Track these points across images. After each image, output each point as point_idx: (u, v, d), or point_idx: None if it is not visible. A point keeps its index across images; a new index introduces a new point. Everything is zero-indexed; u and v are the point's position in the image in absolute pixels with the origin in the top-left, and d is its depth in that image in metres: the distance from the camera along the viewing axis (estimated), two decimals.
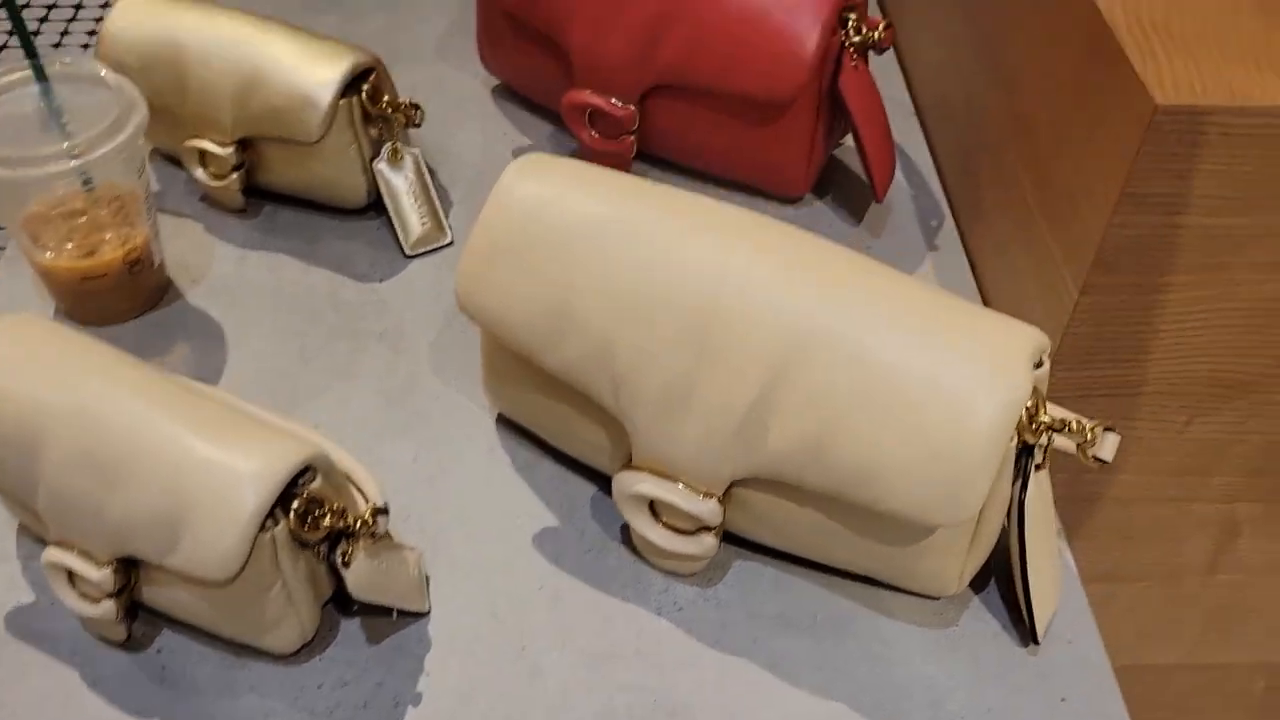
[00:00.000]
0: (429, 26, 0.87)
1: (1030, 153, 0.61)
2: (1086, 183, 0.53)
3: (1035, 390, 0.46)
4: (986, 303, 0.67)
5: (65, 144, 0.57)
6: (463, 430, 0.60)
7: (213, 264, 0.68)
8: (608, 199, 0.50)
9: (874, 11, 0.90)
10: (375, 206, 0.70)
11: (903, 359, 0.45)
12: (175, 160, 0.73)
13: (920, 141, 0.79)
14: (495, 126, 0.78)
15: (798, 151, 0.69)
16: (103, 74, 0.60)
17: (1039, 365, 0.46)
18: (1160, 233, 0.51)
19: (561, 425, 0.55)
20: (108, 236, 0.61)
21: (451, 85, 0.82)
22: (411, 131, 0.76)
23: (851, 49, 0.66)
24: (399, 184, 0.69)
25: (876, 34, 0.66)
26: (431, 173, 0.74)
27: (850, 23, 0.65)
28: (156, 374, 0.49)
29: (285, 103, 0.65)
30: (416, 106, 0.69)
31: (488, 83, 0.82)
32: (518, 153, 0.76)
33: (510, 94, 0.81)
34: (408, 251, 0.69)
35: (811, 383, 0.46)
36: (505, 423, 0.60)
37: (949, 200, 0.74)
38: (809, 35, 0.64)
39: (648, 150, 0.74)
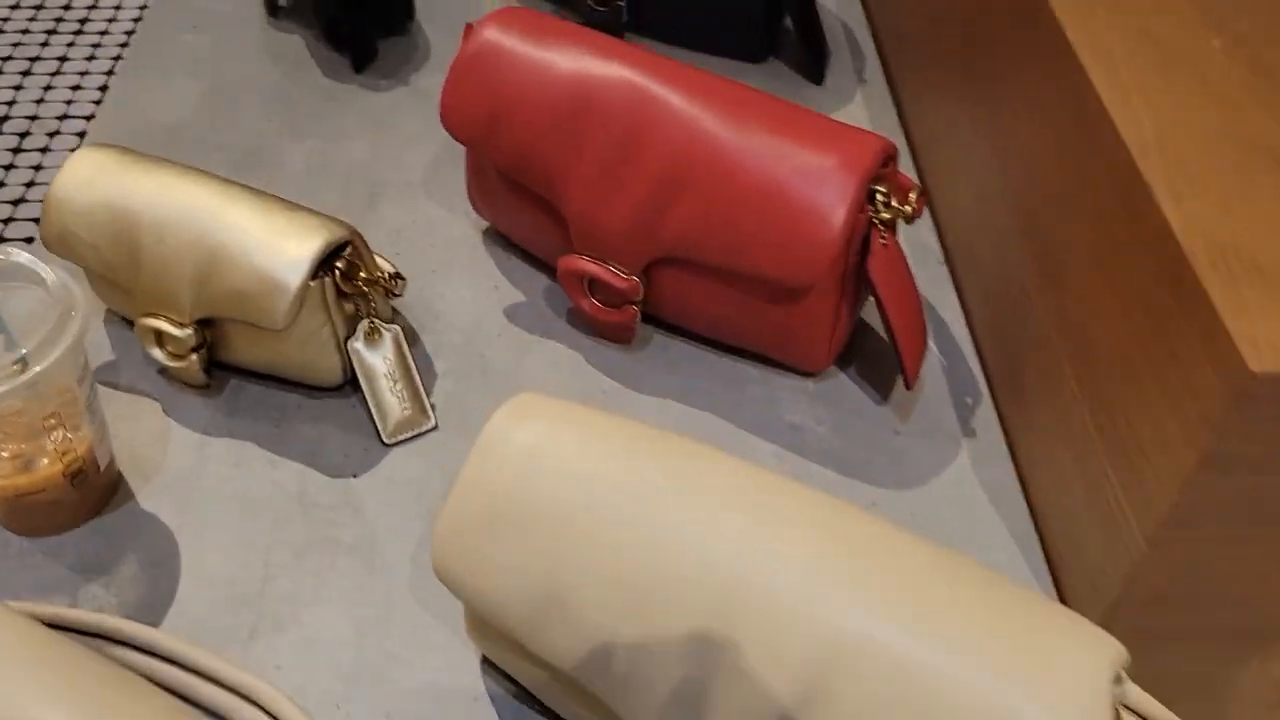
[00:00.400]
0: (417, 152, 0.80)
1: (1084, 367, 0.54)
2: (1157, 429, 0.46)
3: (1116, 714, 0.39)
4: (1032, 511, 0.60)
5: (16, 356, 0.50)
6: (444, 673, 0.53)
7: (169, 454, 0.61)
8: (610, 459, 0.43)
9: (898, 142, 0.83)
10: (352, 380, 0.64)
11: (957, 681, 0.38)
12: (133, 323, 0.66)
13: (951, 296, 0.72)
14: (486, 279, 0.72)
15: (819, 330, 0.62)
16: (43, 274, 0.53)
17: (1117, 681, 0.39)
18: (1247, 492, 0.45)
19: (553, 694, 0.48)
20: (46, 444, 0.54)
21: (439, 226, 0.75)
22: None
23: (880, 226, 0.59)
24: (376, 365, 0.62)
25: (908, 207, 0.59)
26: (414, 338, 0.68)
27: (879, 197, 0.59)
28: (74, 653, 0.42)
29: (249, 286, 0.58)
30: (398, 277, 0.62)
31: (478, 224, 0.75)
32: (509, 313, 0.69)
33: (503, 237, 0.74)
34: (386, 440, 0.62)
35: (848, 705, 0.39)
36: (492, 664, 0.53)
37: (985, 371, 0.67)
38: (833, 215, 0.57)
39: (655, 315, 0.67)
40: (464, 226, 0.75)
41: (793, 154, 0.58)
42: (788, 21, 0.89)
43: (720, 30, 0.87)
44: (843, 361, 0.67)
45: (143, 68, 0.87)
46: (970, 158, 0.71)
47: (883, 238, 0.59)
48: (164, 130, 0.81)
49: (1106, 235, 0.52)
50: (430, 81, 0.86)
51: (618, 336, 0.67)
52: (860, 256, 0.60)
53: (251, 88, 0.85)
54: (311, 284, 0.58)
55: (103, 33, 2.07)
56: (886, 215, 0.59)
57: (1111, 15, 0.57)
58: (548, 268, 0.72)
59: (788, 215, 0.58)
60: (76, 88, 1.94)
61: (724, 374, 0.66)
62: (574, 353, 0.67)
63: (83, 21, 2.09)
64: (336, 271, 0.59)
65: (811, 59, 0.87)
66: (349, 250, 0.60)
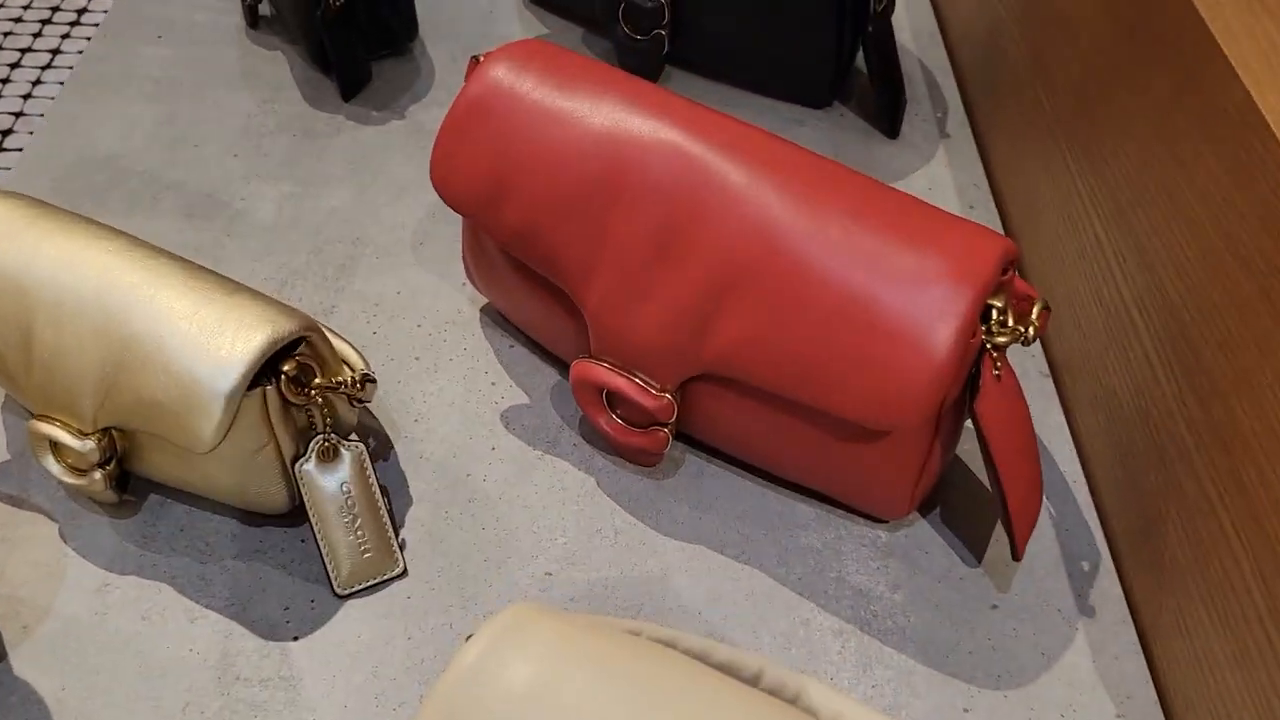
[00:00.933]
0: (409, 203, 0.67)
1: (1268, 556, 0.40)
2: None
3: None
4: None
5: None
6: None
7: (60, 598, 0.48)
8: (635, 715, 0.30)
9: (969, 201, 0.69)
10: (302, 507, 0.50)
11: None
12: None
13: (1058, 418, 0.58)
14: (481, 371, 0.58)
15: (901, 477, 0.48)
16: None
17: None
18: None
19: None
20: None
21: (428, 298, 0.61)
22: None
23: (994, 352, 0.45)
24: (331, 492, 0.48)
25: (1029, 329, 0.45)
26: (385, 447, 0.54)
27: (995, 314, 0.45)
28: None
29: (165, 396, 0.44)
30: (367, 380, 0.49)
31: (476, 298, 0.62)
32: (508, 419, 0.56)
33: (505, 319, 0.60)
34: (339, 591, 0.49)
35: None
36: None
37: (1105, 527, 0.53)
38: (937, 342, 0.43)
39: (690, 434, 0.53)
40: (458, 300, 0.61)
41: (885, 255, 0.44)
42: (859, 61, 0.76)
43: (778, 68, 0.73)
44: (924, 506, 0.53)
45: (93, 83, 0.74)
46: (1090, 247, 0.57)
47: (996, 368, 0.45)
48: (106, 163, 0.68)
49: None
50: (431, 115, 0.73)
51: (640, 461, 0.53)
52: (966, 388, 0.46)
53: (217, 115, 0.72)
54: (249, 395, 0.45)
55: (73, 23, 1.93)
56: (1003, 339, 0.45)
57: None
58: (560, 360, 0.58)
59: (876, 338, 0.44)
60: (37, 81, 1.80)
61: (770, 513, 0.53)
62: (585, 476, 0.54)
63: (54, 9, 1.96)
64: (283, 377, 0.46)
65: (886, 106, 0.73)
66: (302, 348, 0.47)
